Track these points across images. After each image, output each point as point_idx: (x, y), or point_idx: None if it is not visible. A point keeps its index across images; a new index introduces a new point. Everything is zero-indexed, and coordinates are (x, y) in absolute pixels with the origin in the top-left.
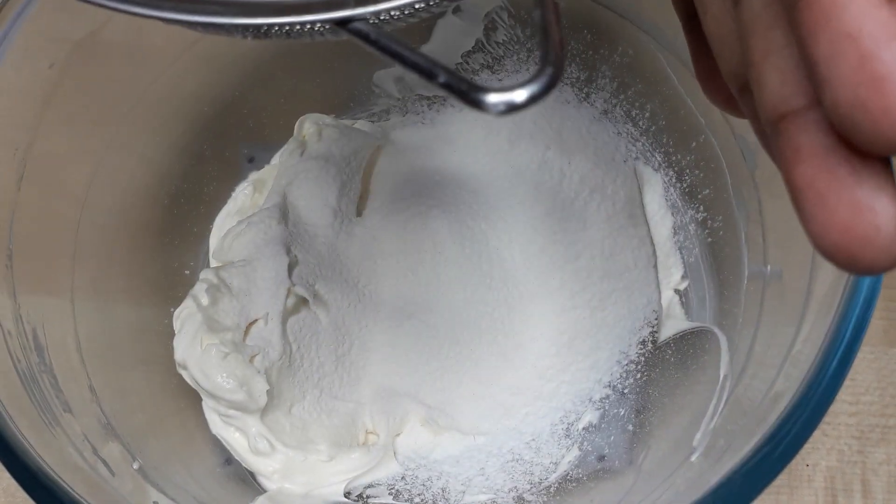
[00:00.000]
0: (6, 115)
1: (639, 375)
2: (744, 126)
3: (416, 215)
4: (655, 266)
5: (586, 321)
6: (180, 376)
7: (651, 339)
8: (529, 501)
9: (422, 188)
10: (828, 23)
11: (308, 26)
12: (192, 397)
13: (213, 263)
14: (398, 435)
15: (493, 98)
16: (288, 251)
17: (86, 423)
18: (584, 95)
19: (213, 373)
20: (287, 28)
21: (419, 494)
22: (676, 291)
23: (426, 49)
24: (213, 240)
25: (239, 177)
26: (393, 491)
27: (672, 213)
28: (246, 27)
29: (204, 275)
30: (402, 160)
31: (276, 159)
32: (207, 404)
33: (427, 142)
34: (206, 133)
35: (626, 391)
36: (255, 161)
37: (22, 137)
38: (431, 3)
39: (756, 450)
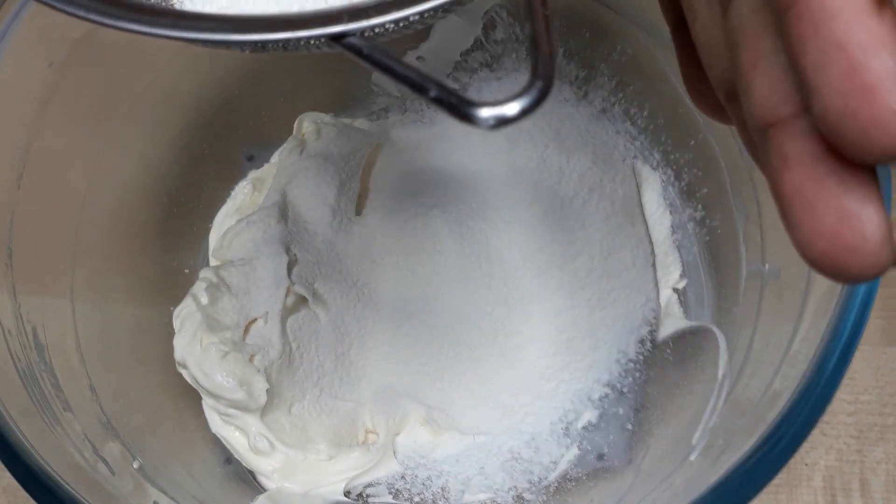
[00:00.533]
0: (6, 115)
1: (637, 374)
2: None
3: (415, 214)
4: (654, 265)
5: (585, 320)
6: (180, 375)
7: (650, 338)
8: (529, 500)
9: (421, 187)
10: (817, 31)
11: (302, 41)
12: (192, 397)
13: (213, 262)
14: (398, 434)
15: (484, 113)
16: (287, 250)
17: (86, 422)
18: (582, 94)
19: (212, 372)
20: (282, 43)
21: (419, 494)
22: (675, 290)
23: (425, 47)
24: (213, 239)
25: (238, 175)
26: (393, 490)
27: (670, 212)
28: (242, 43)
29: (203, 274)
30: (401, 159)
31: (275, 158)
32: (207, 403)
33: (426, 140)
34: (205, 132)
35: (624, 390)
36: (255, 160)
37: (22, 137)
38: (425, 16)
39: (755, 449)
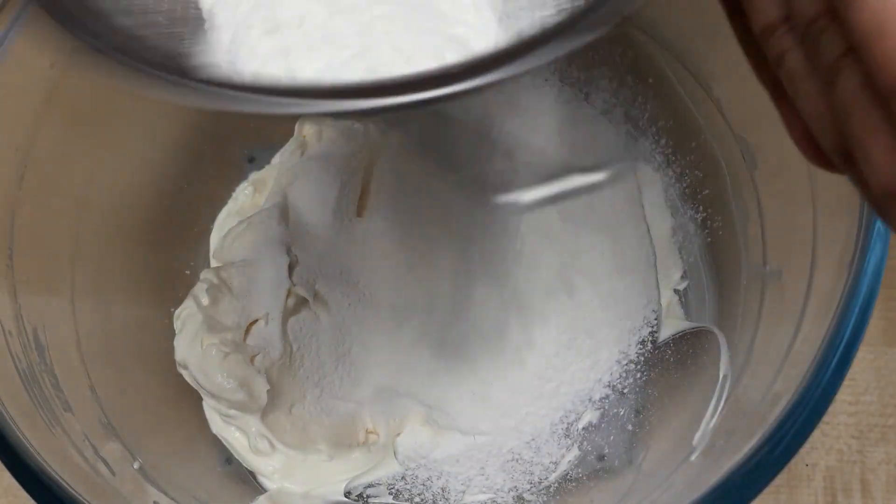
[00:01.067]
0: (8, 115)
1: (638, 375)
2: (743, 127)
3: (416, 215)
4: (655, 266)
5: (586, 321)
6: (181, 376)
7: (651, 338)
8: (529, 501)
9: (422, 188)
10: None
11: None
12: (192, 397)
13: (214, 263)
14: (398, 434)
15: (575, 181)
16: (288, 251)
17: (86, 422)
18: (583, 95)
19: (213, 372)
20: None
21: (419, 494)
22: (676, 291)
23: None
24: (214, 240)
25: (239, 177)
26: (393, 490)
27: (671, 213)
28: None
29: (204, 275)
30: (402, 161)
31: (276, 159)
32: (208, 404)
33: (427, 142)
34: (206, 133)
35: (625, 391)
36: (256, 161)
37: (22, 137)
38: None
39: (755, 449)
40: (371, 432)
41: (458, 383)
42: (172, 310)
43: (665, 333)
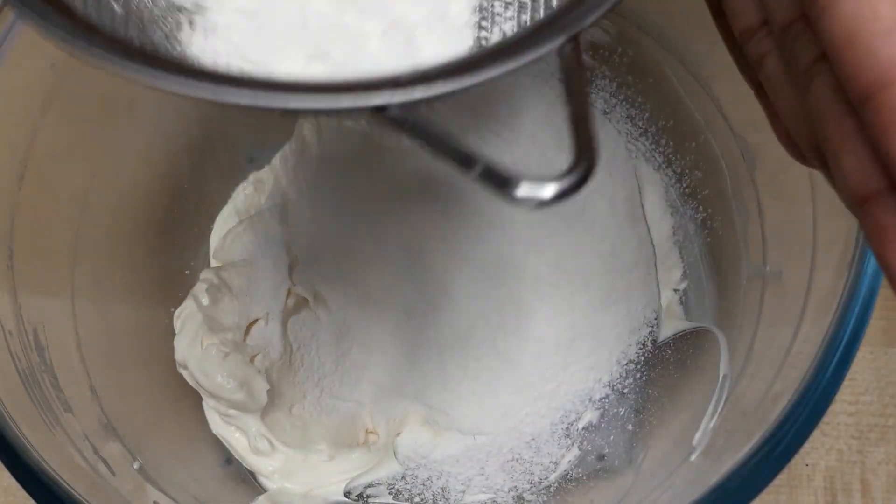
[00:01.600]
0: (8, 116)
1: (638, 375)
2: (744, 127)
3: (417, 215)
4: (655, 266)
5: (586, 321)
6: (181, 376)
7: (651, 338)
8: (529, 501)
9: (424, 188)
10: None
11: (338, 111)
12: (192, 397)
13: (214, 263)
14: (398, 434)
15: (523, 192)
16: (288, 251)
17: (86, 422)
18: None
19: (213, 372)
20: (314, 112)
21: (419, 494)
22: (676, 291)
23: None
24: (214, 240)
25: (239, 177)
26: (393, 490)
27: (672, 213)
28: (270, 109)
29: (204, 275)
30: (404, 160)
31: (276, 159)
32: (208, 404)
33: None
34: (206, 133)
35: (625, 391)
36: (256, 161)
37: (22, 137)
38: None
39: (755, 449)
40: (371, 432)
41: (458, 383)
42: (172, 310)
43: (665, 333)
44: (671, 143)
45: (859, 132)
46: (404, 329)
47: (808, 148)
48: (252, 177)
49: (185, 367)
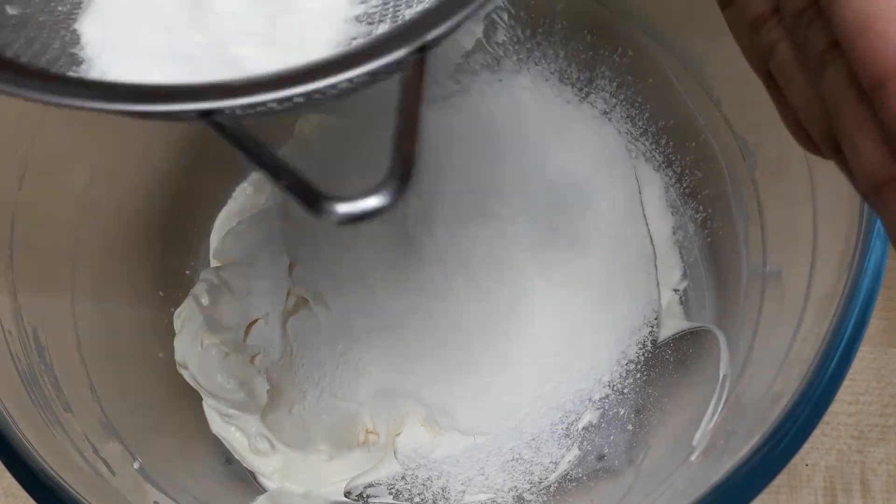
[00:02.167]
0: (8, 116)
1: (638, 375)
2: (743, 126)
3: (417, 215)
4: (655, 266)
5: (586, 321)
6: (181, 376)
7: (651, 338)
8: (529, 501)
9: (424, 188)
10: None
11: (173, 114)
12: (192, 397)
13: (214, 263)
14: (398, 435)
15: (339, 208)
16: (288, 251)
17: (86, 422)
18: (583, 95)
19: (213, 372)
20: (142, 114)
21: (419, 494)
22: (676, 291)
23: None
24: (214, 240)
25: (239, 177)
26: (393, 490)
27: (672, 213)
28: (107, 110)
29: (204, 275)
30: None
31: None
32: (208, 403)
33: (428, 142)
34: (206, 133)
35: (625, 391)
36: None
37: (22, 137)
38: (295, 101)
39: (755, 449)
40: (371, 432)
41: (458, 383)
42: (172, 310)
43: (665, 333)
44: (671, 143)
45: (874, 118)
46: (404, 329)
47: (820, 136)
48: (252, 177)
49: (185, 367)
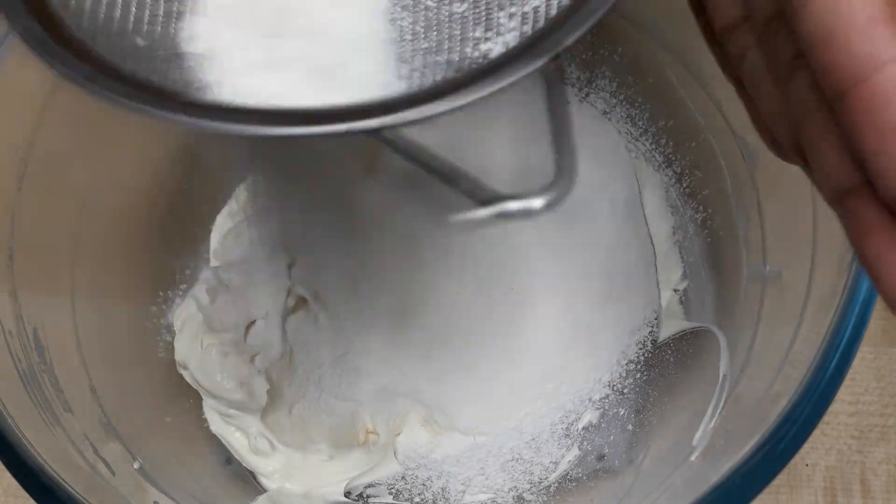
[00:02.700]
0: (8, 116)
1: (638, 375)
2: (743, 127)
3: (416, 214)
4: (655, 266)
5: (586, 321)
6: (180, 376)
7: (651, 338)
8: (529, 501)
9: (422, 187)
10: (873, 117)
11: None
12: (192, 397)
13: (214, 263)
14: (398, 434)
15: (512, 206)
16: (288, 250)
17: (86, 422)
18: (583, 95)
19: (213, 372)
20: (314, 136)
21: (419, 494)
22: (676, 291)
23: None
24: (214, 240)
25: (239, 177)
26: (393, 490)
27: (672, 213)
28: (285, 137)
29: (204, 275)
30: (403, 160)
31: None
32: (208, 403)
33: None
34: (206, 133)
35: (625, 391)
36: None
37: (22, 137)
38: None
39: (755, 449)
40: (371, 432)
41: (458, 383)
42: (172, 310)
43: (665, 333)
44: (671, 143)
45: (837, 127)
46: (404, 329)
47: (789, 143)
48: (252, 177)
49: (185, 367)
